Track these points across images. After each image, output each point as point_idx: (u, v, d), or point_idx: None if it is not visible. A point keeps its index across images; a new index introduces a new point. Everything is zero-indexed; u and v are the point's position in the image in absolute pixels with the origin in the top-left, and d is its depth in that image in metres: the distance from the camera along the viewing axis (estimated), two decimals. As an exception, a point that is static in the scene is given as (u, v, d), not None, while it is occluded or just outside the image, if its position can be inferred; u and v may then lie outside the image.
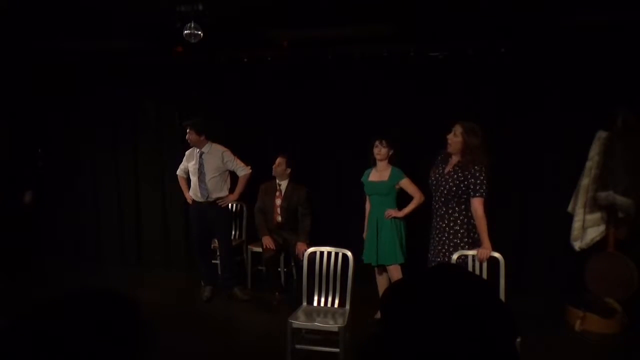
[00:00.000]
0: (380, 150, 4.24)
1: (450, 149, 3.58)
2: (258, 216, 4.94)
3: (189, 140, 4.80)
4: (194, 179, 4.84)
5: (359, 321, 3.77)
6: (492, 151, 3.66)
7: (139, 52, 5.58)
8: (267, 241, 4.75)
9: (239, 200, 5.26)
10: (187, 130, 4.77)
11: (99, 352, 0.81)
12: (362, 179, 4.39)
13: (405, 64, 5.14)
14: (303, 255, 4.54)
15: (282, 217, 4.94)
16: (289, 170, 4.93)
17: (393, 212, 4.18)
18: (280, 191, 4.94)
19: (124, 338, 0.85)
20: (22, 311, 0.85)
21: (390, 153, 4.26)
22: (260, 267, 5.28)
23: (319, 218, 5.25)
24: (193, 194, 4.87)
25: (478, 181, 3.41)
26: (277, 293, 4.83)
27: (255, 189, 5.09)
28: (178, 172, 5.09)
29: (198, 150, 4.82)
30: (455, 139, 3.52)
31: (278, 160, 4.90)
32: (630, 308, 4.10)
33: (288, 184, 4.95)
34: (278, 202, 4.92)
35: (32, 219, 6.09)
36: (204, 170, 4.78)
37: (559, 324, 4.22)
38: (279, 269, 4.94)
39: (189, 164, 4.91)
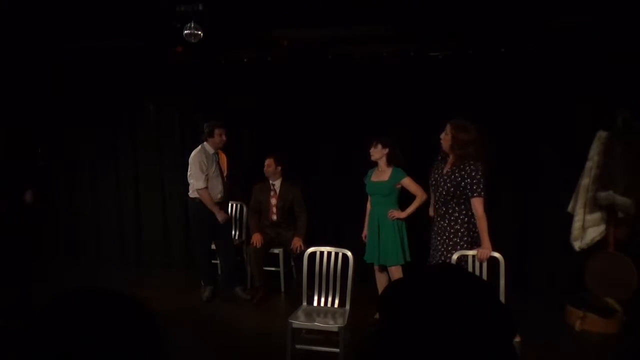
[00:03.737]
0: (373, 152, 4.25)
1: (443, 148, 3.63)
2: (251, 216, 5.04)
3: (216, 142, 4.73)
4: (215, 181, 4.78)
5: (359, 321, 3.77)
6: (491, 150, 3.67)
7: (139, 52, 5.58)
8: (257, 238, 4.86)
9: (238, 200, 5.27)
10: (220, 130, 4.72)
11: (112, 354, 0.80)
12: (365, 179, 4.39)
13: (405, 64, 5.14)
14: (298, 249, 4.66)
15: (277, 216, 5.01)
16: (279, 169, 4.98)
17: (396, 214, 4.17)
18: (275, 190, 4.99)
19: (140, 344, 0.84)
20: (37, 310, 0.83)
21: (385, 153, 4.25)
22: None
23: (318, 218, 5.25)
24: (214, 194, 4.79)
25: (475, 180, 3.41)
26: (260, 289, 4.84)
27: (250, 188, 5.10)
28: (203, 184, 4.65)
29: (212, 151, 4.79)
30: (445, 137, 3.57)
31: (267, 161, 4.95)
32: (630, 308, 4.10)
33: (282, 183, 5.00)
34: (273, 201, 4.99)
35: (32, 219, 6.09)
36: (221, 170, 4.84)
37: (559, 324, 4.21)
38: (262, 266, 4.91)
39: (210, 168, 4.76)
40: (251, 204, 5.07)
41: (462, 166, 3.47)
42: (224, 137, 4.76)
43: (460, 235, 3.50)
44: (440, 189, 3.55)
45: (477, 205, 3.42)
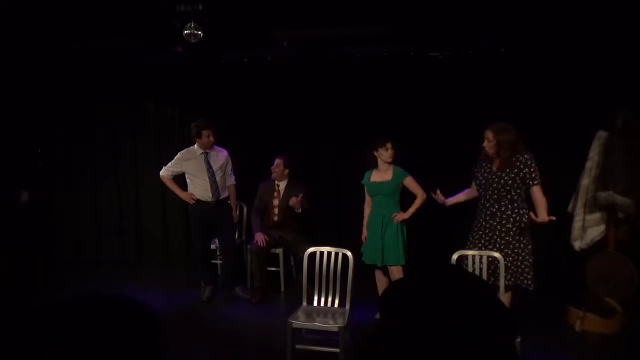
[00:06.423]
0: (392, 154, 4.21)
1: (489, 155, 3.62)
2: (254, 215, 5.03)
3: (204, 142, 4.69)
4: (200, 181, 4.77)
5: (359, 321, 3.76)
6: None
7: (139, 52, 5.58)
8: (259, 237, 4.86)
9: (238, 201, 5.28)
10: (207, 132, 4.67)
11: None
12: (363, 182, 4.37)
13: (405, 64, 5.14)
14: (296, 202, 4.71)
15: (278, 217, 4.99)
16: (287, 171, 4.98)
17: (400, 216, 4.18)
18: (279, 192, 4.99)
19: (136, 349, 0.84)
20: (35, 314, 0.83)
21: (393, 154, 4.26)
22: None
23: (318, 218, 5.24)
24: (201, 194, 4.80)
25: (532, 169, 3.47)
26: (260, 289, 4.83)
27: (253, 188, 5.11)
28: (163, 173, 4.88)
29: (200, 151, 4.79)
30: (489, 144, 3.57)
31: (276, 161, 4.96)
32: (630, 308, 4.10)
33: (287, 185, 4.99)
34: (275, 202, 4.98)
35: (31, 219, 6.08)
36: (212, 169, 4.78)
37: (559, 324, 4.21)
38: (264, 266, 4.92)
39: (185, 166, 4.80)
40: (255, 202, 5.06)
41: (508, 162, 3.51)
42: (211, 138, 4.72)
43: (513, 234, 3.52)
44: (495, 185, 3.55)
45: (537, 192, 3.50)
